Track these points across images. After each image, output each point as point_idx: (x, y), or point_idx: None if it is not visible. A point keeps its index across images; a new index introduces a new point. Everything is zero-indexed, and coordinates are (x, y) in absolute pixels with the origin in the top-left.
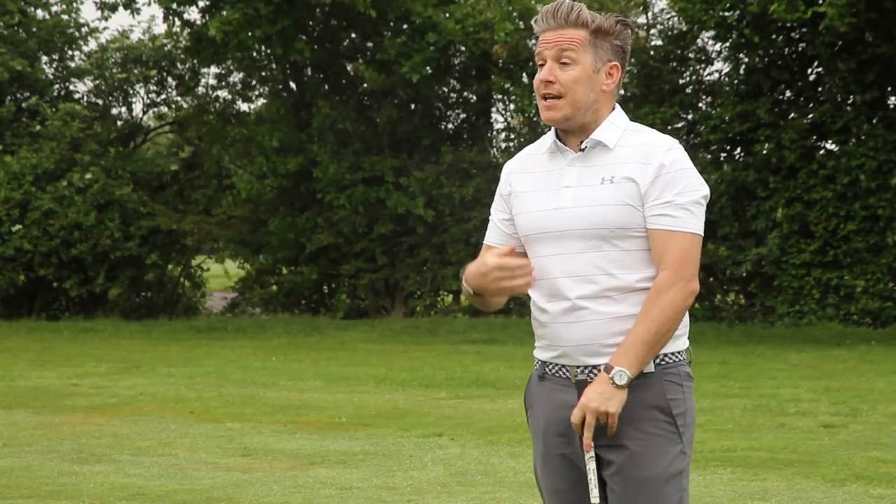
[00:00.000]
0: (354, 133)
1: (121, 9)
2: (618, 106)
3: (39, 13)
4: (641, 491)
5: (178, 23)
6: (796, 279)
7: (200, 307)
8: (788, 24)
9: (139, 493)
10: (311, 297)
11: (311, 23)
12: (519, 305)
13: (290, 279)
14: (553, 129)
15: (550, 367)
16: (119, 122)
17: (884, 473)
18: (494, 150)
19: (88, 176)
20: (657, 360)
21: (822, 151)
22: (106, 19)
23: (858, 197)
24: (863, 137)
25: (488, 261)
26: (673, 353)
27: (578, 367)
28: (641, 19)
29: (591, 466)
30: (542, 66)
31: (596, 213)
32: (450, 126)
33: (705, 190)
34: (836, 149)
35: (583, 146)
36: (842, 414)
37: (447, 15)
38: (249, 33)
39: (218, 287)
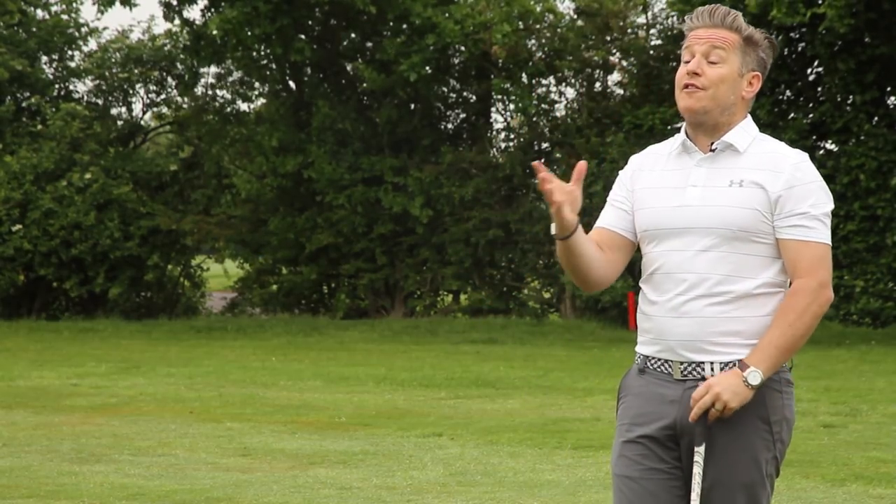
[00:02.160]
0: (354, 133)
1: (118, 4)
2: (749, 115)
3: (39, 13)
4: (731, 494)
5: (177, 21)
6: None
7: (200, 307)
8: (789, 26)
9: (139, 493)
10: (310, 297)
11: (310, 22)
12: (518, 305)
13: (290, 279)
14: (683, 129)
15: (652, 361)
16: (119, 122)
17: (884, 473)
18: (494, 150)
19: (88, 176)
20: None
21: (821, 151)
22: (102, 13)
23: (858, 197)
24: (862, 137)
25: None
26: None
27: (681, 363)
28: (641, 19)
29: (698, 470)
30: (687, 61)
31: (721, 214)
32: (449, 126)
33: (832, 204)
34: (836, 149)
35: (713, 147)
36: (842, 414)
37: (447, 15)
38: (249, 32)
39: (218, 287)
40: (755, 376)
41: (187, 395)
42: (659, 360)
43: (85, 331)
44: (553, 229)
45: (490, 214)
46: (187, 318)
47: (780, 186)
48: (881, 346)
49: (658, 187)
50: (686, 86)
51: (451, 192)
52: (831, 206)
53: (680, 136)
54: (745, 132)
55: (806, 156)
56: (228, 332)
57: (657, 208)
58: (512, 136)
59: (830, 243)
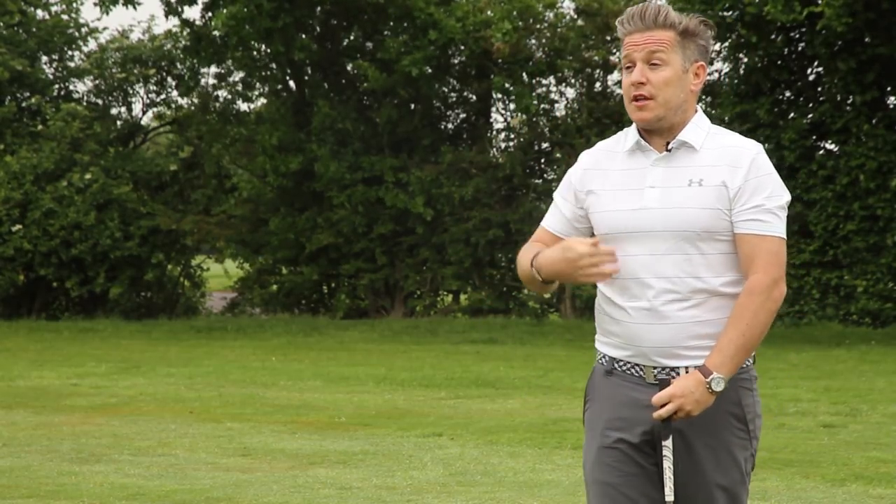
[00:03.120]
0: (354, 133)
1: (120, 4)
2: (699, 108)
3: (39, 13)
4: (714, 496)
5: (177, 21)
6: (796, 279)
7: (200, 307)
8: (787, 25)
9: (139, 493)
10: (310, 297)
11: (311, 22)
12: (518, 305)
13: (290, 279)
14: (635, 127)
15: (621, 364)
16: (119, 122)
17: (884, 473)
18: (494, 149)
19: (88, 176)
20: None
21: (821, 151)
22: (107, 13)
23: (858, 197)
24: (862, 138)
25: (577, 247)
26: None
27: (654, 367)
28: None
29: (668, 465)
30: (629, 68)
31: (683, 215)
32: (449, 126)
33: (788, 196)
34: (836, 149)
35: (669, 147)
36: (842, 414)
37: (447, 14)
38: (248, 27)
39: (218, 287)
40: (719, 383)
41: (187, 395)
42: (629, 363)
43: (85, 331)
44: (540, 275)
45: (490, 214)
46: (187, 318)
47: (739, 180)
48: (881, 346)
49: (615, 189)
50: (635, 97)
51: (451, 192)
52: (787, 198)
53: (633, 136)
54: (699, 127)
55: (761, 147)
56: (228, 332)
57: (616, 211)
58: (512, 136)
59: (785, 236)
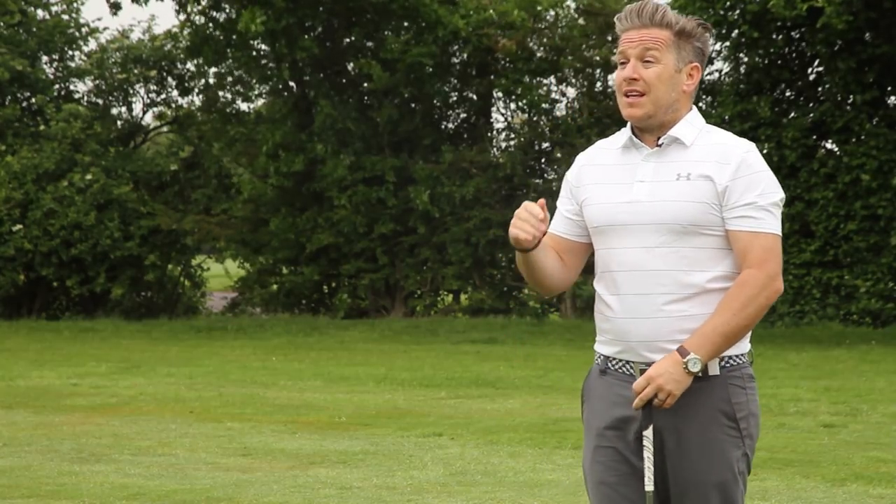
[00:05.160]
0: (355, 132)
1: (130, 2)
2: (694, 107)
3: (40, 13)
4: (705, 494)
5: (184, 17)
6: (797, 279)
7: (200, 307)
8: (788, 24)
9: (139, 493)
10: (311, 296)
11: (313, 21)
12: (518, 305)
13: (291, 279)
14: (629, 125)
15: (613, 362)
16: (119, 122)
17: (884, 473)
18: (495, 149)
19: (89, 176)
20: (722, 363)
21: (822, 151)
22: (116, 12)
23: (859, 196)
24: (863, 137)
25: (524, 207)
26: (737, 356)
27: (642, 363)
28: None
29: (648, 454)
30: (623, 64)
31: (670, 209)
32: (450, 125)
33: (782, 193)
34: (837, 148)
35: (660, 142)
36: (842, 414)
37: (451, 12)
38: (253, 28)
39: (218, 287)
40: (695, 363)
41: (187, 395)
42: (620, 360)
43: (85, 331)
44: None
45: (490, 214)
46: (187, 318)
47: (727, 177)
48: (881, 346)
49: (606, 183)
50: (626, 94)
51: (451, 192)
52: (781, 195)
53: (626, 132)
54: (691, 125)
55: (753, 146)
56: (228, 332)
57: (605, 204)
58: (512, 135)
59: (780, 233)
